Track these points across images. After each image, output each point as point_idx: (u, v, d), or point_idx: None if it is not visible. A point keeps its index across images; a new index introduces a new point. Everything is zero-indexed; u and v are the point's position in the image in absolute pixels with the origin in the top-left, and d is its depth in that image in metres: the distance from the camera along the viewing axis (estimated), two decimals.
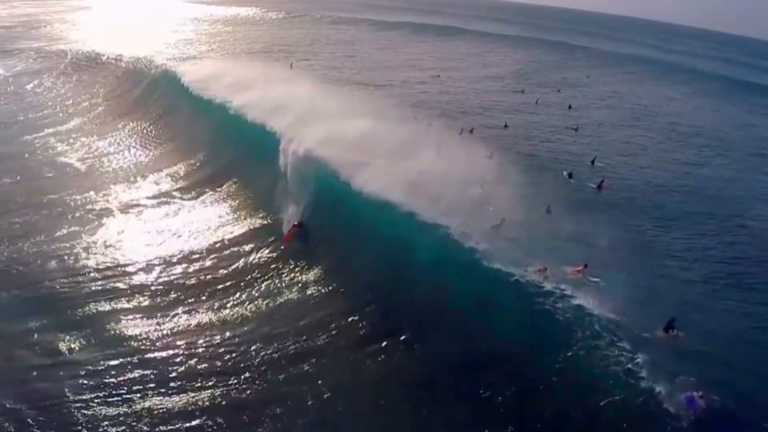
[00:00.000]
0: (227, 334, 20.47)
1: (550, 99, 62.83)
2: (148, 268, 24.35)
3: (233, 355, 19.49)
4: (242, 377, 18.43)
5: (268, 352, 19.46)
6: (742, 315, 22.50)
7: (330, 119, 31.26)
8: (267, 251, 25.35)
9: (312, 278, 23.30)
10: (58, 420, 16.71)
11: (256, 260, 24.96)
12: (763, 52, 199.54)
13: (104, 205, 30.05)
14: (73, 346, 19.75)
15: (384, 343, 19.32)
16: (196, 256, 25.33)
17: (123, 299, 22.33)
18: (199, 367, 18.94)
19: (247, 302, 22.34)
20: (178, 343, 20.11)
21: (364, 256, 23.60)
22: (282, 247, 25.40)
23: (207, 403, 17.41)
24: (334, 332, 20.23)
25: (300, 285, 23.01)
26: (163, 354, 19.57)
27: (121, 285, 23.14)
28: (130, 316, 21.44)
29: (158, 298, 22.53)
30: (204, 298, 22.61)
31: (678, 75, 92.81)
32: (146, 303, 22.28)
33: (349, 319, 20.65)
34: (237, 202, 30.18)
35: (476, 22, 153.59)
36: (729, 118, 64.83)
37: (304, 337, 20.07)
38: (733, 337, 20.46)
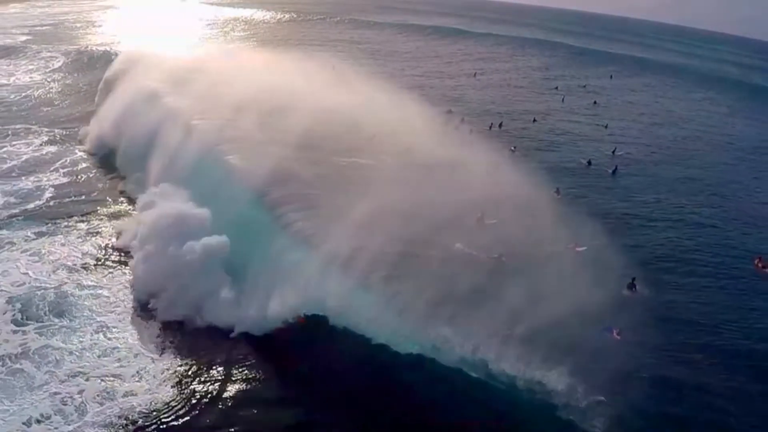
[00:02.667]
0: None
1: (575, 97, 66.55)
2: None
3: None
4: None
5: None
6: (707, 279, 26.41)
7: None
8: None
9: None
10: None
11: None
12: None
13: None
14: None
15: None
16: None
17: None
18: None
19: None
20: None
21: None
22: None
23: None
24: None
25: None
26: None
27: None
28: None
29: None
30: None
31: (706, 81, 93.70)
32: None
33: None
34: None
35: (498, 25, 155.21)
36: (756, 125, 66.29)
37: None
38: (690, 297, 24.33)
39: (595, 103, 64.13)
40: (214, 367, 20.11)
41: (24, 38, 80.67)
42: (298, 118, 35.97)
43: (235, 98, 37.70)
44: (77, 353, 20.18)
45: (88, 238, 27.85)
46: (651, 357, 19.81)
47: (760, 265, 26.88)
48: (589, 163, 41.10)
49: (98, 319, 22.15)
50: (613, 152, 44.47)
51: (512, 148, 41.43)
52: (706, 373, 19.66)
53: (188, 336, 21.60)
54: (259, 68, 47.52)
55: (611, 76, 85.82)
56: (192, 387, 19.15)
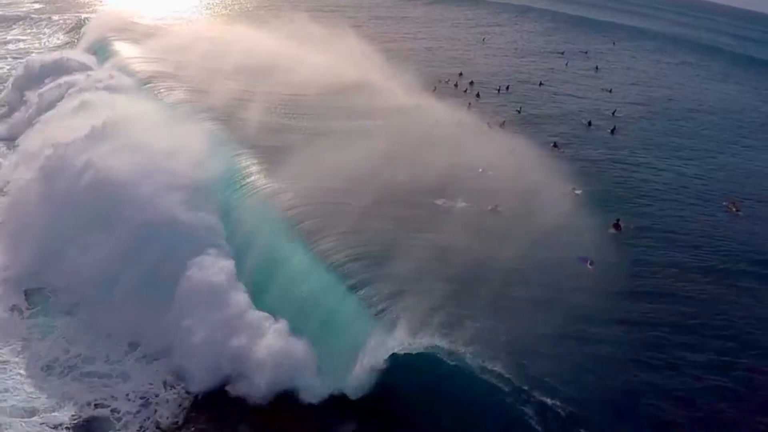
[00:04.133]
0: None
1: (578, 62, 69.61)
2: None
3: None
4: None
5: None
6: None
7: None
8: None
9: None
10: None
11: None
12: None
13: None
14: None
15: None
16: None
17: None
18: None
19: None
20: None
21: None
22: None
23: None
24: None
25: None
26: None
27: None
28: None
29: None
30: None
31: (703, 51, 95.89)
32: None
33: None
34: None
35: None
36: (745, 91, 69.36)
37: None
38: (668, 236, 27.81)
39: (597, 68, 67.33)
40: None
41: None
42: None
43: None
44: None
45: None
46: (619, 289, 22.73)
47: (732, 208, 30.78)
48: (590, 123, 44.51)
49: None
50: (613, 113, 47.82)
51: (518, 109, 45.00)
52: (671, 306, 22.36)
53: None
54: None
55: (613, 43, 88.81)
56: None
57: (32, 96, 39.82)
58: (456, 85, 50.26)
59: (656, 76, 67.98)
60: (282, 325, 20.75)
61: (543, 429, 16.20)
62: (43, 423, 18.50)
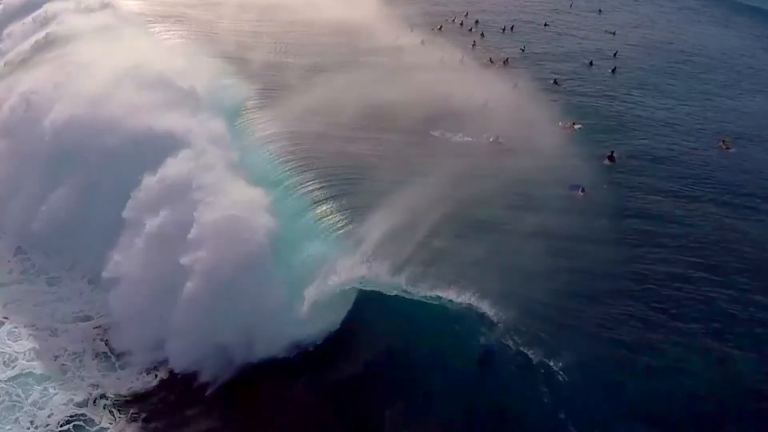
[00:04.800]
0: None
1: (583, 3, 69.01)
2: None
3: None
4: None
5: None
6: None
7: None
8: None
9: None
10: None
11: None
12: None
13: None
14: None
15: None
16: None
17: None
18: None
19: None
20: None
21: None
22: None
23: None
24: None
25: None
26: None
27: None
28: None
29: None
30: None
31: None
32: None
33: None
34: None
35: None
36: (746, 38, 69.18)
37: None
38: (660, 169, 29.22)
39: (600, 11, 67.14)
40: None
41: None
42: None
43: None
44: None
45: None
46: (607, 213, 24.41)
47: (723, 145, 32.09)
48: (591, 63, 45.25)
49: None
50: (615, 54, 48.35)
51: (521, 48, 45.74)
52: (657, 228, 24.02)
53: None
54: None
55: None
56: None
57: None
58: (461, 24, 50.76)
59: (658, 20, 67.96)
60: None
61: (531, 356, 17.28)
62: None
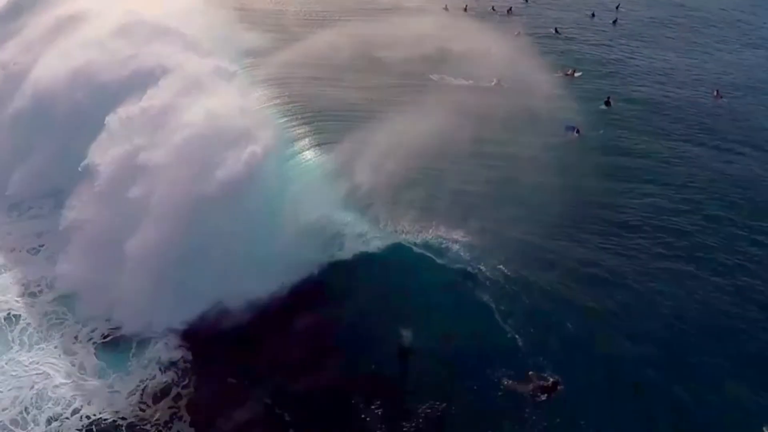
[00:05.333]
0: None
1: None
2: None
3: None
4: None
5: None
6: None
7: None
8: None
9: None
10: None
11: None
12: None
13: None
14: None
15: None
16: None
17: None
18: None
19: None
20: None
21: None
22: None
23: None
24: None
25: None
26: None
27: None
28: None
29: None
30: None
31: None
32: None
33: None
34: None
35: None
36: None
37: None
38: (655, 116, 30.47)
39: None
40: None
41: None
42: None
43: None
44: None
45: None
46: (599, 151, 26.02)
47: (716, 95, 33.26)
48: (593, 14, 46.18)
49: None
50: (617, 8, 49.26)
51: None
52: (645, 163, 25.59)
53: None
54: None
55: None
56: None
57: None
58: None
59: None
60: None
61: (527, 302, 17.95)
62: None
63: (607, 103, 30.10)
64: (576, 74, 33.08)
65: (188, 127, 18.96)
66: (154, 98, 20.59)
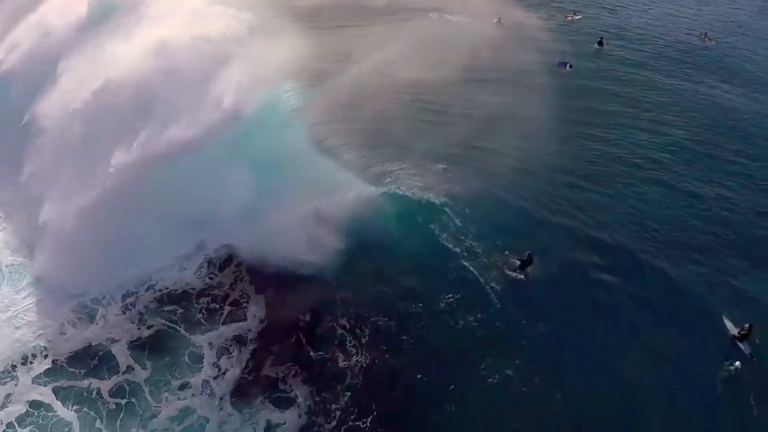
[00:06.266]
0: None
1: None
2: None
3: None
4: None
5: None
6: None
7: None
8: None
9: None
10: None
11: None
12: None
13: None
14: None
15: None
16: None
17: None
18: None
19: None
20: None
21: None
22: None
23: None
24: None
25: None
26: None
27: None
28: None
29: None
30: None
31: None
32: None
33: None
34: None
35: None
36: None
37: None
38: (644, 54, 32.70)
39: None
40: None
41: None
42: None
43: None
44: None
45: None
46: (589, 86, 28.07)
47: (705, 38, 35.32)
48: None
49: None
50: None
51: None
52: (633, 91, 27.95)
53: None
54: None
55: None
56: None
57: None
58: None
59: None
60: None
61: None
62: None
63: (600, 43, 32.24)
64: (576, 17, 35.18)
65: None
66: None
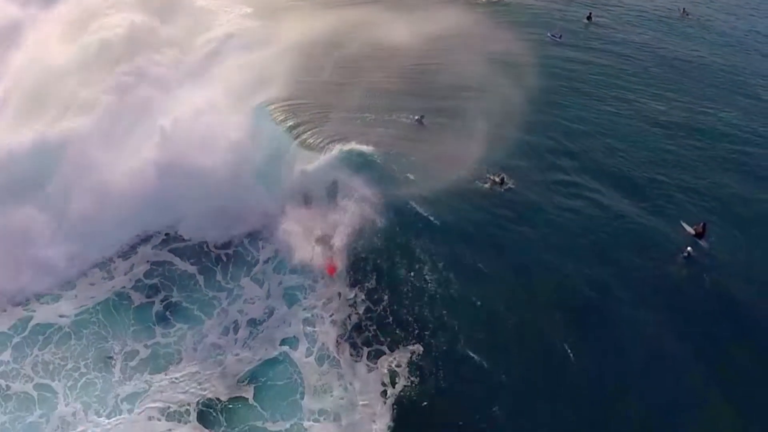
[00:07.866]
0: None
1: None
2: None
3: None
4: None
5: None
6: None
7: None
8: None
9: None
10: None
11: None
12: None
13: None
14: None
15: None
16: None
17: None
18: None
19: None
20: None
21: None
22: None
23: None
24: None
25: None
26: None
27: None
28: None
29: None
30: None
31: None
32: None
33: None
34: None
35: None
36: None
37: None
38: (628, 28, 36.70)
39: None
40: None
41: None
42: None
43: None
44: None
45: None
46: (578, 56, 31.80)
47: (684, 13, 39.23)
48: None
49: None
50: None
51: None
52: (618, 59, 31.89)
53: None
54: None
55: None
56: None
57: None
58: None
59: None
60: None
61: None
62: None
63: (589, 18, 36.27)
64: None
65: None
66: None
